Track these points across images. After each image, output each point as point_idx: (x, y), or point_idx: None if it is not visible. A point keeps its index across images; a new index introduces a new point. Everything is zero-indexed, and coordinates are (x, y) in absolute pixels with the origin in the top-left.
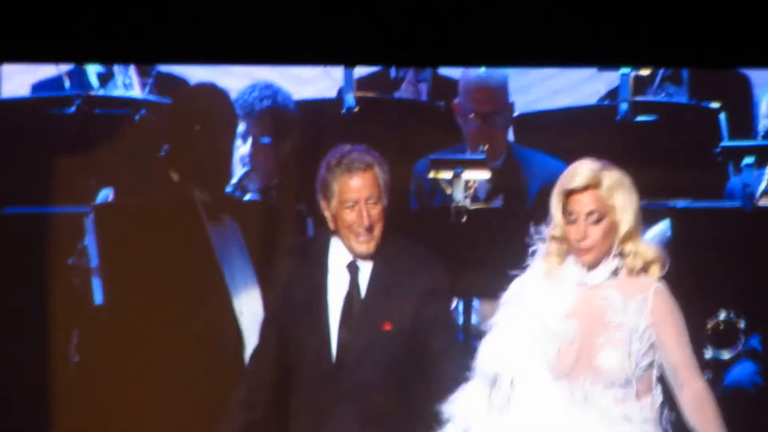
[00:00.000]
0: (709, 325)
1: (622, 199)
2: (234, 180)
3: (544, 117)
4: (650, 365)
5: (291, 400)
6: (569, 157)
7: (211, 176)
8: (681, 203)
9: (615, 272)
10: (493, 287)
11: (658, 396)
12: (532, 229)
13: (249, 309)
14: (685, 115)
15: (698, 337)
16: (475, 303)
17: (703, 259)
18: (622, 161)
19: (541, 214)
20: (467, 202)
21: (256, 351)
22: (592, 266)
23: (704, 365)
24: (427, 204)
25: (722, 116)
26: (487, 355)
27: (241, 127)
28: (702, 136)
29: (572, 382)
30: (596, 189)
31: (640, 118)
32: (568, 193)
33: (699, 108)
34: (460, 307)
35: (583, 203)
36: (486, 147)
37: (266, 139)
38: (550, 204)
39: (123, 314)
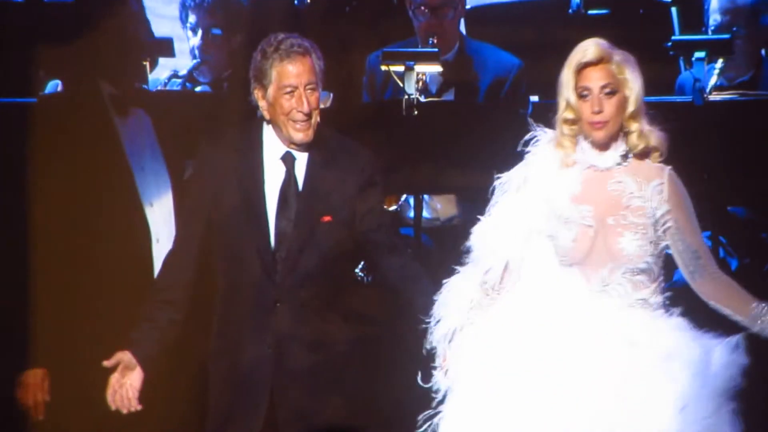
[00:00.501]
0: None
1: (632, 74)
2: (184, 72)
3: (496, 10)
4: (664, 250)
5: (223, 294)
6: (521, 51)
7: (117, 69)
8: None
9: (624, 157)
10: (443, 181)
11: (661, 281)
12: (529, 120)
13: (159, 202)
14: (637, 9)
15: None
16: (426, 197)
17: None
18: None
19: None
20: (419, 96)
21: (177, 245)
22: (603, 147)
23: None
24: (379, 97)
25: (674, 10)
26: (485, 240)
27: (192, 19)
28: (654, 30)
29: (586, 269)
30: (608, 63)
31: (592, 12)
32: (581, 68)
33: (651, 1)
34: (411, 201)
35: (597, 77)
36: (435, 40)
37: (217, 31)
38: (559, 85)
39: (37, 207)
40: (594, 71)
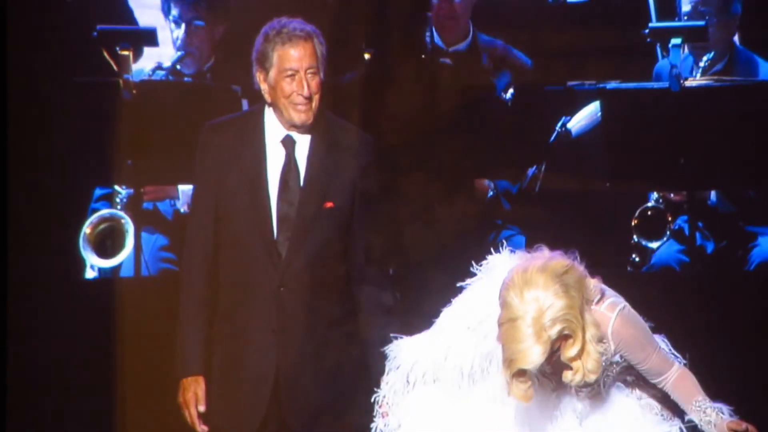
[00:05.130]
0: (638, 213)
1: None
2: (167, 64)
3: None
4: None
5: (227, 279)
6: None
7: None
8: (611, 84)
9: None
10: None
11: None
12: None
13: None
14: None
15: (627, 224)
16: None
17: (633, 140)
18: (555, 43)
19: None
20: None
21: (194, 239)
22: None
23: (631, 248)
24: None
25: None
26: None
27: (175, 11)
28: (631, 18)
29: None
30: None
31: (571, 0)
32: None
33: None
34: None
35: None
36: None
37: (199, 22)
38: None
39: None
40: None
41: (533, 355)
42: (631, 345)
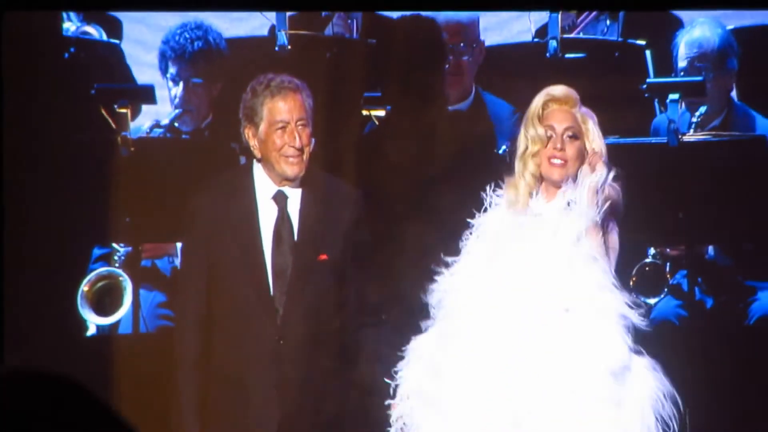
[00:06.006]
0: (635, 270)
1: (593, 128)
2: (165, 122)
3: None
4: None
5: (224, 337)
6: (502, 95)
7: None
8: (609, 140)
9: (569, 204)
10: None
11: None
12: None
13: None
14: (613, 52)
15: (625, 282)
16: None
17: (631, 194)
18: None
19: None
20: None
21: (188, 303)
22: (552, 194)
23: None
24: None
25: (648, 53)
26: (441, 293)
27: (173, 69)
28: (629, 73)
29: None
30: (573, 107)
31: (569, 56)
32: (547, 104)
33: (626, 45)
34: None
35: (562, 117)
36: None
37: (197, 80)
38: (524, 121)
39: None
40: (559, 112)
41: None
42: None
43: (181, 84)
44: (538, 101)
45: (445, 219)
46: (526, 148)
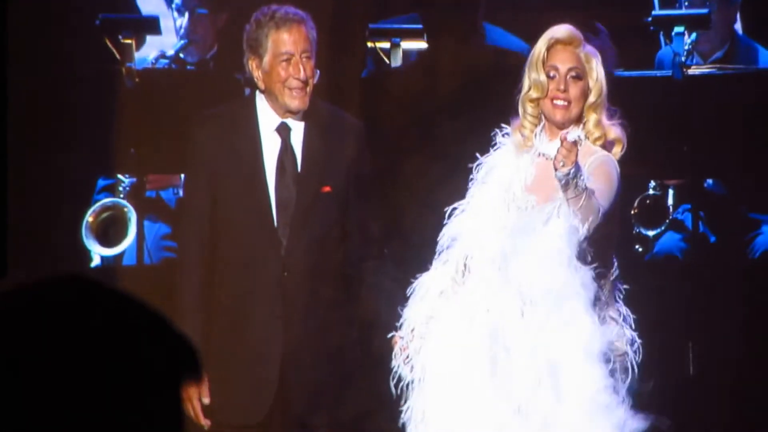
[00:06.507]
0: (637, 202)
1: (598, 66)
2: (170, 53)
3: None
4: (608, 234)
5: (228, 269)
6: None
7: None
8: (617, 72)
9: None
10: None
11: (615, 270)
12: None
13: None
14: None
15: (626, 214)
16: None
17: (636, 128)
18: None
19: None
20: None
21: (190, 230)
22: (557, 134)
23: (633, 238)
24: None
25: None
26: (451, 234)
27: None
28: (634, 6)
29: None
30: (577, 48)
31: None
32: (551, 46)
33: None
34: None
35: (565, 58)
36: None
37: (203, 10)
38: (527, 63)
39: None
40: (563, 52)
41: (567, 25)
42: (604, 179)
43: (186, 14)
44: (541, 44)
45: (449, 153)
46: (528, 89)
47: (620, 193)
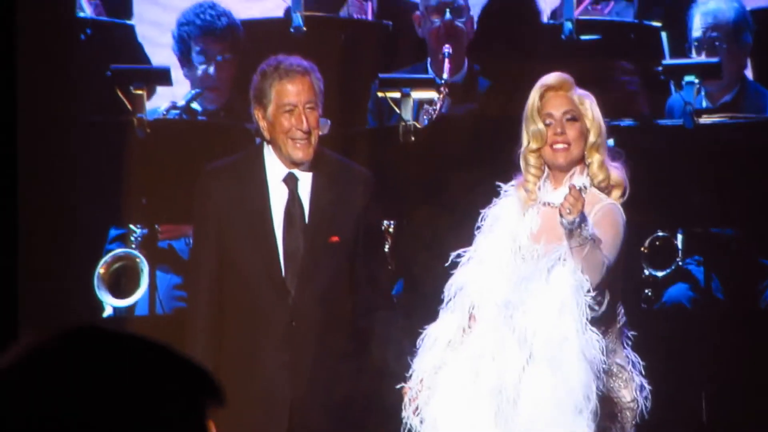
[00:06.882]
0: (647, 243)
1: (591, 107)
2: (182, 103)
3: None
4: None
5: (235, 320)
6: (519, 77)
7: None
8: (624, 122)
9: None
10: (440, 209)
11: (621, 318)
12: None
13: None
14: (628, 34)
15: (636, 254)
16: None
17: (647, 177)
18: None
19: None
20: (417, 121)
21: (198, 284)
22: (561, 181)
23: (642, 283)
24: (386, 122)
25: (664, 35)
26: (458, 283)
27: (198, 47)
28: (645, 55)
29: None
30: (569, 91)
31: (584, 37)
32: (543, 93)
33: (642, 26)
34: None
35: (559, 103)
36: (451, 49)
37: (227, 57)
38: (524, 118)
39: None
40: (555, 98)
41: (556, 73)
42: (608, 226)
43: (210, 61)
44: (534, 95)
45: (456, 204)
46: (528, 142)
47: (626, 239)
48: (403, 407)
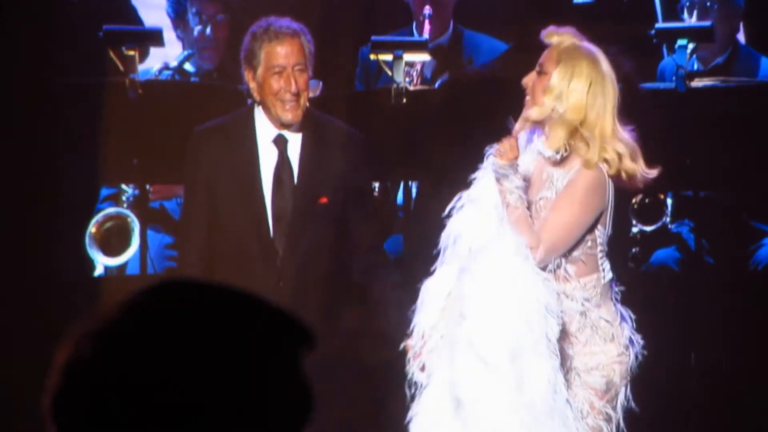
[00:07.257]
0: (635, 200)
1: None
2: (174, 64)
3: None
4: (589, 242)
5: (223, 278)
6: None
7: None
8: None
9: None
10: (431, 168)
11: (606, 273)
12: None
13: None
14: None
15: (624, 209)
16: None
17: (638, 140)
18: None
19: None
20: (408, 84)
21: (188, 243)
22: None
23: (631, 240)
24: (373, 86)
25: None
26: (455, 231)
27: (194, 7)
28: (638, 18)
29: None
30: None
31: (577, 1)
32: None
33: None
34: (401, 189)
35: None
36: (431, 10)
37: (221, 17)
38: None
39: None
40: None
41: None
42: (573, 188)
43: (208, 22)
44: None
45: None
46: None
47: (606, 203)
48: (406, 362)
